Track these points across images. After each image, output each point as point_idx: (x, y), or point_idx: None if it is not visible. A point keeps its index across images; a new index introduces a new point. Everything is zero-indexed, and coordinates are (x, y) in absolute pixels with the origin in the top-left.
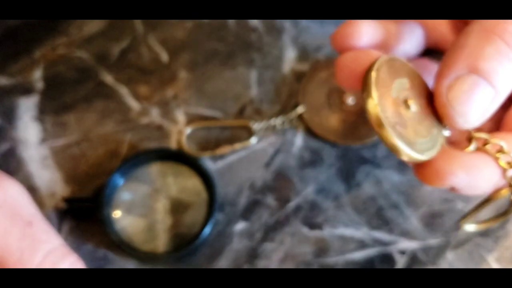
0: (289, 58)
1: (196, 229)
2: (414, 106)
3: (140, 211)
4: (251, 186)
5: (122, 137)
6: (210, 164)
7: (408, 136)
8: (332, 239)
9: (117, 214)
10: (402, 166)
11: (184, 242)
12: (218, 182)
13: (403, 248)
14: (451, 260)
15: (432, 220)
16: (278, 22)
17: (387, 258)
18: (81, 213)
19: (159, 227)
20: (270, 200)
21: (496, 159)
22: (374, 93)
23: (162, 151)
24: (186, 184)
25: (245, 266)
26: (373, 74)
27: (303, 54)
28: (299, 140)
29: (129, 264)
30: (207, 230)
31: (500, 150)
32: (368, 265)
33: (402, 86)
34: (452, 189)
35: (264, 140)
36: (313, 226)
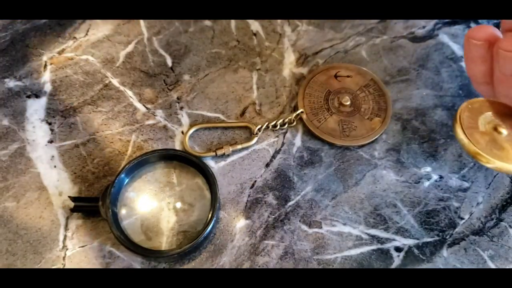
0: (289, 62)
1: (199, 227)
2: (503, 130)
3: (144, 209)
4: (252, 185)
5: (127, 138)
6: (212, 164)
7: (507, 154)
8: (330, 237)
9: (122, 212)
10: (398, 166)
11: (187, 239)
12: (220, 181)
13: (400, 245)
14: (446, 257)
15: (427, 219)
16: (279, 27)
17: (384, 255)
18: (88, 211)
19: (163, 225)
20: (271, 199)
21: None
22: (463, 135)
23: (166, 151)
24: (190, 184)
25: (246, 263)
26: (457, 121)
27: (303, 58)
28: (298, 140)
29: (134, 261)
30: (210, 227)
31: None
32: (365, 262)
33: (486, 119)
34: None
35: (264, 141)
36: (312, 224)
